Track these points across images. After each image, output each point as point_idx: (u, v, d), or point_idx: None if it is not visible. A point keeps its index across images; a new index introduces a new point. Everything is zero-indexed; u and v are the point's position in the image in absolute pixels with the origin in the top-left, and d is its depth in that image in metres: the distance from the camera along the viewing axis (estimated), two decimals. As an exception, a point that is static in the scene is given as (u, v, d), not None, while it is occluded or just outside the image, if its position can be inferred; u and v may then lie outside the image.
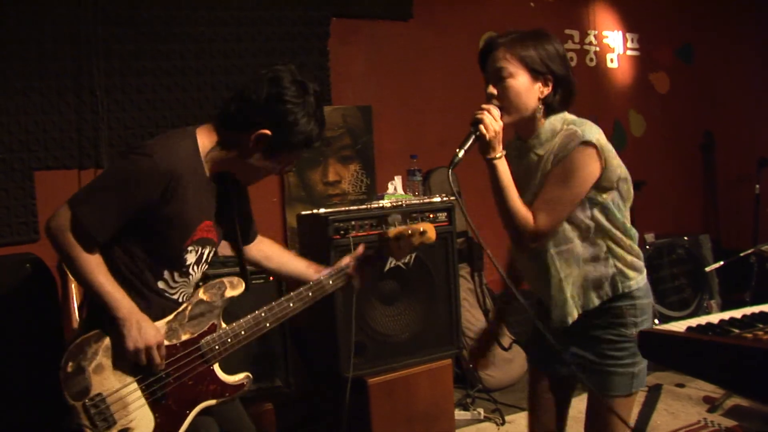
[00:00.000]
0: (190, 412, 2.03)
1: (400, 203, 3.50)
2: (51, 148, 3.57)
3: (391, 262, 3.36)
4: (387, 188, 3.78)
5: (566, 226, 2.14)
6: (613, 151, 2.11)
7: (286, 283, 2.89)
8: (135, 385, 1.97)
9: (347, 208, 3.43)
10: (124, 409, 1.94)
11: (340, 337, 3.22)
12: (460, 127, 5.04)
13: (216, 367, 2.11)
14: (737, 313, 1.64)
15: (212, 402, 2.09)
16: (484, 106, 2.10)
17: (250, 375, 2.16)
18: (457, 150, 2.06)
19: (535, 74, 2.11)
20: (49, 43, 3.52)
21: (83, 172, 3.65)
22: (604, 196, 2.11)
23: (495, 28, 5.06)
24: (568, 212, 2.09)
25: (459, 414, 3.85)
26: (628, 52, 5.86)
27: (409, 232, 2.30)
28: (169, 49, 3.85)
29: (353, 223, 3.22)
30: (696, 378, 1.74)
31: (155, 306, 2.05)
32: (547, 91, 2.13)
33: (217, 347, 2.09)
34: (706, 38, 6.10)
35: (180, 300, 2.11)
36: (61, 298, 3.30)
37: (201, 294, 2.11)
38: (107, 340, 1.96)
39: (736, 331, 1.50)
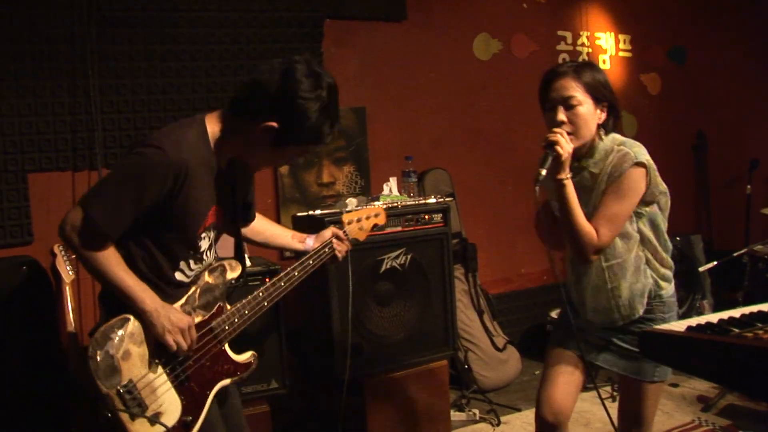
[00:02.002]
0: (210, 392, 2.10)
1: (395, 204, 3.50)
2: (45, 150, 3.55)
3: (387, 264, 3.37)
4: (382, 189, 3.78)
5: (617, 240, 2.30)
6: (656, 168, 2.30)
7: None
8: (161, 370, 2.01)
9: (343, 210, 3.42)
10: (153, 393, 1.97)
11: (336, 338, 3.22)
12: (454, 129, 5.08)
13: (227, 347, 2.17)
14: (736, 313, 1.66)
15: (227, 381, 2.16)
16: (555, 129, 2.24)
17: (255, 354, 2.24)
18: (540, 168, 2.20)
19: (597, 101, 2.28)
20: (44, 44, 3.50)
21: (77, 173, 3.64)
22: (647, 209, 2.32)
23: (489, 30, 5.08)
24: (623, 226, 2.28)
25: (454, 415, 3.86)
26: (620, 54, 5.88)
27: (365, 216, 2.56)
28: (164, 50, 3.84)
29: (349, 224, 3.21)
30: (696, 377, 1.76)
31: (172, 298, 2.06)
32: (604, 116, 2.31)
33: (226, 327, 2.15)
34: (699, 39, 6.13)
35: None
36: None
37: (206, 277, 2.15)
38: (131, 326, 1.97)
39: (736, 330, 1.52)
